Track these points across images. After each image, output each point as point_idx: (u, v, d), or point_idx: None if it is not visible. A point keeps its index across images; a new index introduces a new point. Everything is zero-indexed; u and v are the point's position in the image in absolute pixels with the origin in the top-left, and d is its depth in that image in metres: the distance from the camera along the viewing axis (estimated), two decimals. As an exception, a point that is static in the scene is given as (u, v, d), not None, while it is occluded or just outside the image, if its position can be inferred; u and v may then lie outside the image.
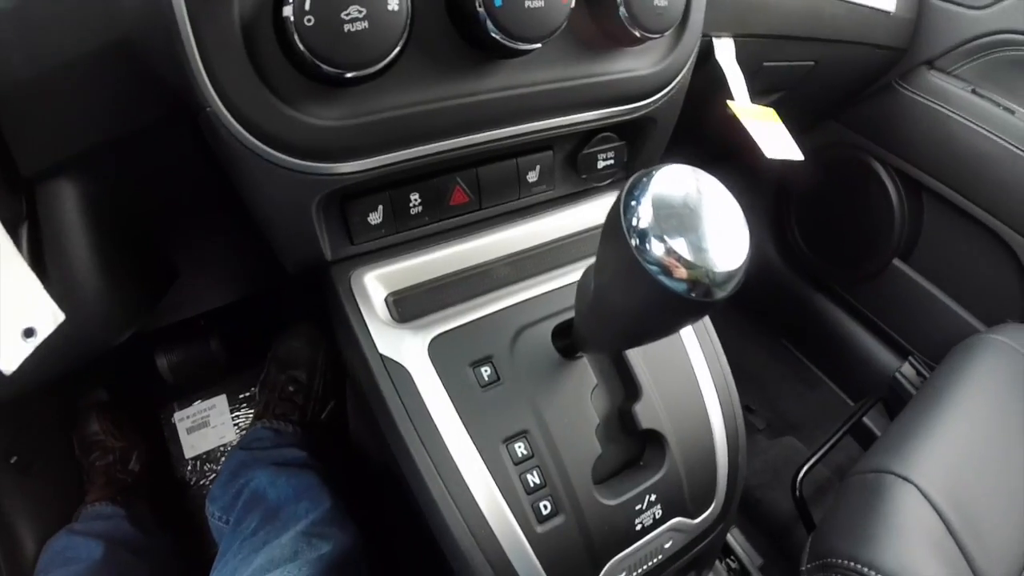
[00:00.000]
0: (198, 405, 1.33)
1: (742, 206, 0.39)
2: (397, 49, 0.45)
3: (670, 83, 0.66)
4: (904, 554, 0.71)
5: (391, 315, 0.59)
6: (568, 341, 0.60)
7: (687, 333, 0.68)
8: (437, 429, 0.55)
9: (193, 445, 1.31)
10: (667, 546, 0.65)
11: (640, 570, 0.64)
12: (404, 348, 0.57)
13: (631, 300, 0.40)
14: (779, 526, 1.01)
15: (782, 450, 1.23)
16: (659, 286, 0.36)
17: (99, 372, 1.24)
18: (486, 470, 0.56)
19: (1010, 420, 0.91)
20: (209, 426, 1.32)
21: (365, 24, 0.43)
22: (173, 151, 0.57)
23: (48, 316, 0.46)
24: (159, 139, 0.54)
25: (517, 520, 0.56)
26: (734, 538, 0.89)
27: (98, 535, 1.04)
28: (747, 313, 1.54)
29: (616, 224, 0.37)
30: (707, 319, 0.70)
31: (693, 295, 0.36)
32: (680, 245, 0.35)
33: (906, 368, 1.26)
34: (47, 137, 0.48)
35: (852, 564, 0.72)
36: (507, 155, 0.63)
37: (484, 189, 0.63)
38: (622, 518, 0.61)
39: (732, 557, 0.88)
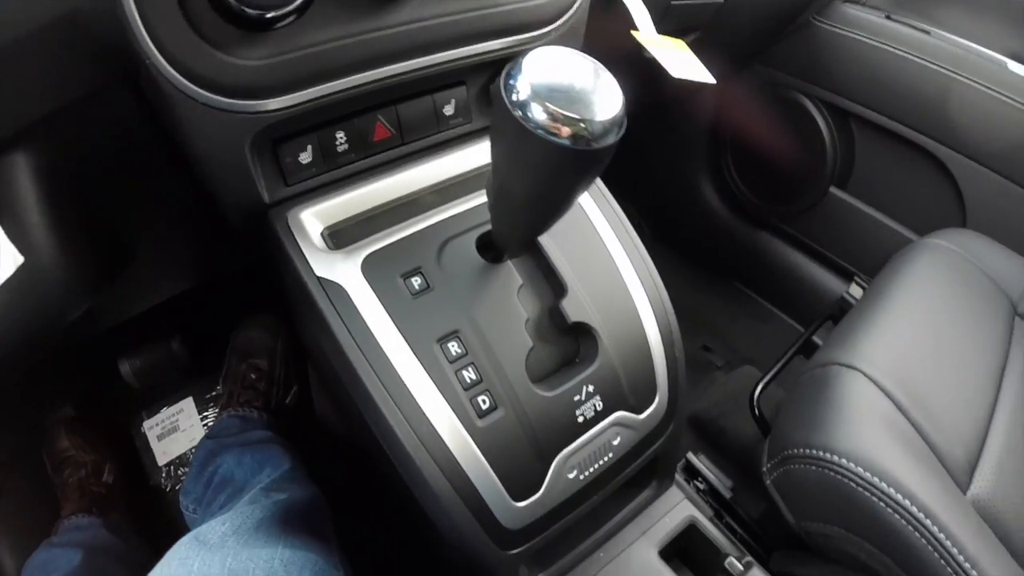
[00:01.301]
0: (166, 411, 1.36)
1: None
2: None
3: (567, 11, 0.72)
4: (858, 435, 0.76)
5: (327, 245, 0.64)
6: (491, 246, 0.66)
7: (608, 235, 0.73)
8: (373, 335, 0.60)
9: (165, 451, 1.33)
10: (616, 443, 0.70)
11: (591, 469, 0.69)
12: (339, 269, 0.61)
13: (527, 172, 0.45)
14: (745, 449, 1.06)
15: (741, 379, 1.29)
16: (547, 146, 0.41)
17: (64, 388, 1.27)
18: (422, 369, 0.60)
19: (949, 309, 0.97)
20: (179, 430, 1.35)
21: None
22: (121, 119, 0.63)
23: (8, 258, 0.51)
24: (107, 106, 0.61)
25: (457, 415, 0.60)
26: (702, 463, 0.94)
27: (77, 544, 1.06)
28: (697, 262, 1.59)
29: (501, 107, 0.42)
30: (643, 250, 0.75)
31: (579, 147, 0.41)
32: (559, 105, 0.40)
33: (852, 288, 1.32)
34: (2, 111, 0.54)
35: (808, 451, 0.76)
36: (424, 92, 0.69)
37: (404, 125, 0.68)
38: (562, 410, 0.65)
39: (700, 479, 0.93)
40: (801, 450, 0.77)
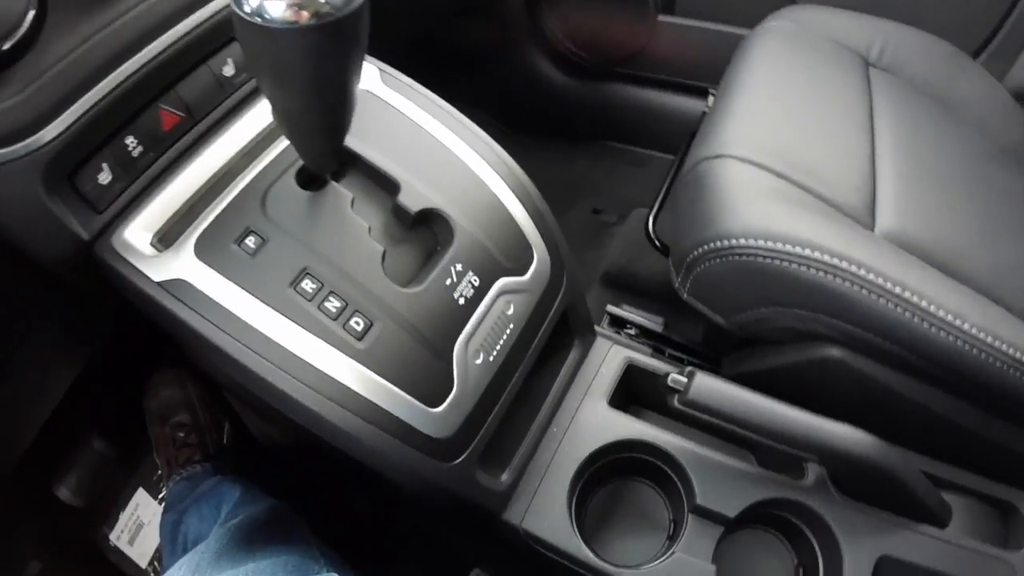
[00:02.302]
0: (123, 516, 1.31)
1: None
2: (32, 13, 0.51)
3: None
4: (747, 212, 0.75)
5: (158, 250, 0.61)
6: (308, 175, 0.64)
7: (432, 124, 0.71)
8: (228, 311, 0.57)
9: (142, 552, 1.28)
10: (510, 312, 0.68)
11: (498, 347, 0.67)
12: (175, 265, 0.58)
13: (291, 76, 0.45)
14: (663, 283, 1.05)
15: (635, 222, 1.28)
16: (297, 37, 0.41)
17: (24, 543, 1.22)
18: (286, 319, 0.58)
19: (802, 78, 0.96)
20: (145, 524, 1.30)
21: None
22: None
23: None
24: None
25: (336, 347, 0.58)
26: (625, 311, 0.93)
27: None
28: (559, 135, 1.58)
29: (242, 26, 0.41)
30: (473, 126, 0.74)
31: (327, 21, 0.40)
32: None
33: (710, 101, 1.32)
34: None
35: (706, 247, 0.75)
36: (196, 62, 0.65)
37: (191, 104, 0.65)
38: (439, 299, 0.63)
39: (629, 325, 0.92)
40: (699, 250, 0.76)
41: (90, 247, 0.61)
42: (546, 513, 0.70)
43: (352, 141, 0.64)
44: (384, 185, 0.66)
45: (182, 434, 1.16)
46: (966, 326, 0.70)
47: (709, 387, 0.66)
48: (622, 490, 0.78)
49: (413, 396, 0.61)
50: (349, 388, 0.58)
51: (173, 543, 1.04)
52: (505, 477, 0.70)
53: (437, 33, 1.51)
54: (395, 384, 0.60)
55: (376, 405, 0.59)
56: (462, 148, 0.71)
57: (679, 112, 1.43)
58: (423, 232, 0.67)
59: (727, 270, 0.74)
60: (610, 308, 0.89)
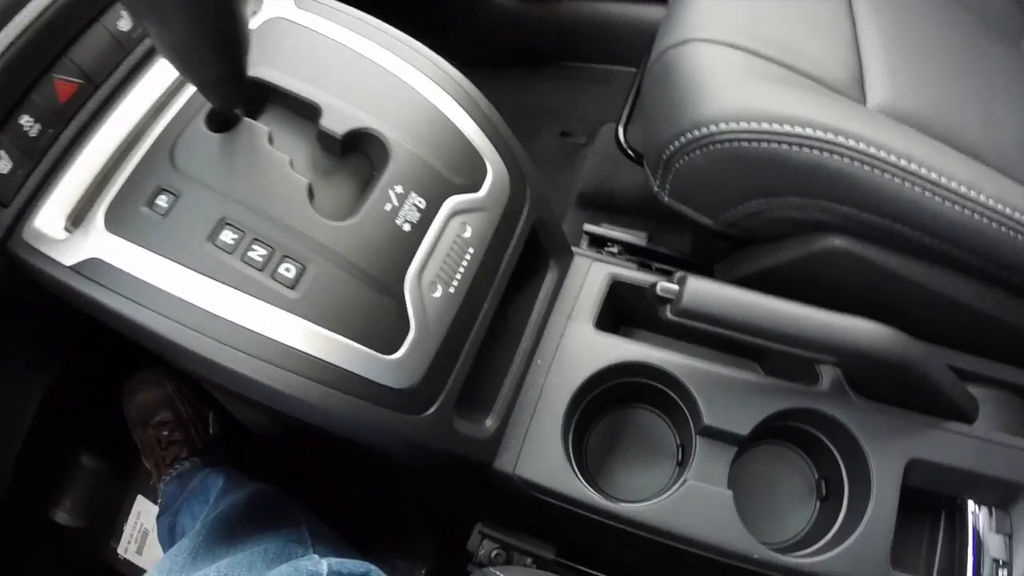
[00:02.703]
0: (127, 527, 1.26)
1: None
2: None
3: None
4: (724, 94, 0.67)
5: (69, 233, 0.53)
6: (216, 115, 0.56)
7: (359, 42, 0.62)
8: (145, 282, 0.50)
9: (152, 560, 1.23)
10: (467, 234, 0.59)
11: (459, 276, 0.58)
12: (86, 245, 0.51)
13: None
14: (642, 195, 0.98)
15: (606, 138, 1.19)
16: None
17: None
18: (210, 279, 0.50)
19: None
20: (151, 532, 1.25)
21: None
22: None
23: None
24: None
25: (269, 301, 0.50)
26: (606, 229, 0.85)
27: None
28: (518, 64, 1.48)
29: None
30: (407, 38, 0.65)
31: None
32: None
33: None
34: None
35: (683, 139, 0.67)
36: (89, 21, 0.57)
37: (87, 68, 0.57)
38: (379, 229, 0.55)
39: (610, 242, 0.84)
40: (675, 144, 0.68)
41: (3, 246, 0.54)
42: (541, 455, 0.63)
43: (262, 71, 0.56)
44: (304, 112, 0.57)
45: (166, 432, 1.11)
46: (981, 197, 0.63)
47: (705, 291, 0.58)
48: (622, 420, 0.71)
49: (364, 344, 0.53)
50: (287, 346, 0.51)
51: (171, 543, 1.00)
52: (490, 422, 0.63)
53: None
54: (340, 333, 0.53)
55: (322, 361, 0.52)
56: (394, 62, 0.62)
57: (639, 22, 1.33)
58: (358, 159, 0.59)
59: (709, 162, 0.66)
60: (587, 227, 0.81)
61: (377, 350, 0.54)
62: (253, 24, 0.60)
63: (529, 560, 0.72)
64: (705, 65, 0.71)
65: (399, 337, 0.55)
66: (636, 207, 0.93)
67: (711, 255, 0.82)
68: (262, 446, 1.18)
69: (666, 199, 0.72)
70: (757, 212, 0.68)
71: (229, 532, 0.77)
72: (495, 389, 0.64)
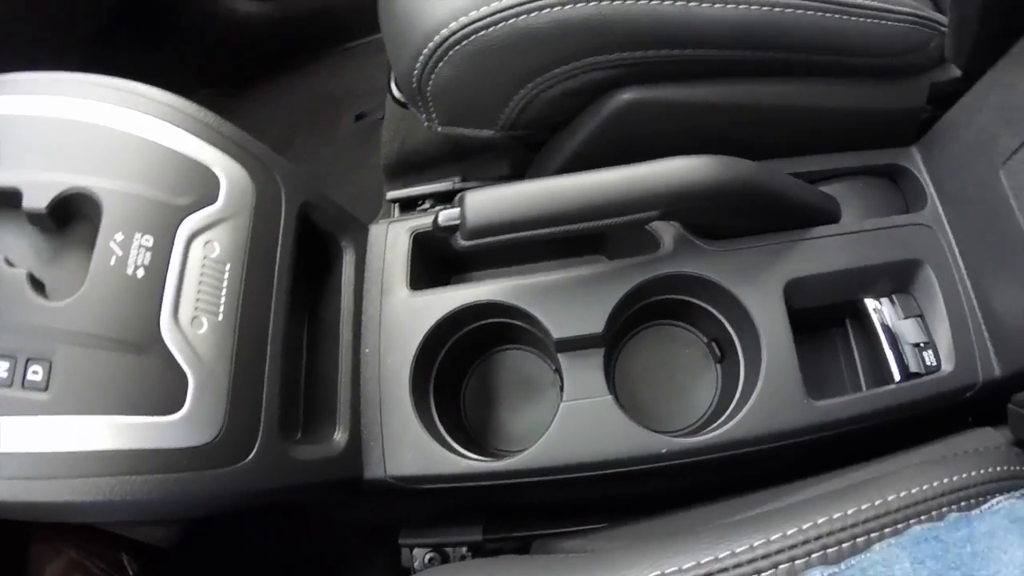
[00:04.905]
0: None
1: None
2: None
3: None
4: None
5: None
6: None
7: (37, 104, 0.56)
8: None
9: None
10: (216, 253, 0.54)
11: (223, 299, 0.53)
12: None
13: None
14: (444, 140, 0.93)
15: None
16: None
17: None
18: None
19: None
20: None
21: None
22: None
23: None
24: None
25: (28, 413, 0.45)
26: (410, 189, 0.80)
27: None
28: (289, 66, 1.42)
29: None
30: None
31: None
32: None
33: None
34: None
35: (420, 61, 0.63)
36: None
37: None
38: (112, 286, 0.48)
39: (421, 200, 0.79)
40: (416, 67, 0.63)
41: None
42: (405, 446, 0.59)
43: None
44: (7, 202, 0.51)
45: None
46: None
47: (487, 200, 0.54)
48: (492, 369, 0.67)
49: (138, 414, 0.48)
50: (60, 452, 0.45)
51: None
52: (338, 435, 0.58)
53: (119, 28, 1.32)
54: (109, 413, 0.47)
55: (100, 452, 0.46)
56: (93, 110, 0.56)
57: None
58: (81, 225, 0.53)
59: (456, 70, 0.62)
60: (390, 194, 0.76)
61: (156, 414, 0.48)
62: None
63: (465, 549, 0.67)
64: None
65: (178, 392, 0.49)
66: (447, 154, 0.88)
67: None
68: (181, 558, 1.11)
69: (439, 128, 0.67)
70: (530, 101, 0.64)
71: None
72: (331, 398, 0.59)
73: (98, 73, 0.58)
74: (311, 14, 1.35)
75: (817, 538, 0.49)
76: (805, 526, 0.50)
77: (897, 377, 0.61)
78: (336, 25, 1.37)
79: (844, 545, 0.49)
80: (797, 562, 0.48)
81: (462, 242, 0.54)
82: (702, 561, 0.47)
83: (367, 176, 1.08)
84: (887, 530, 0.50)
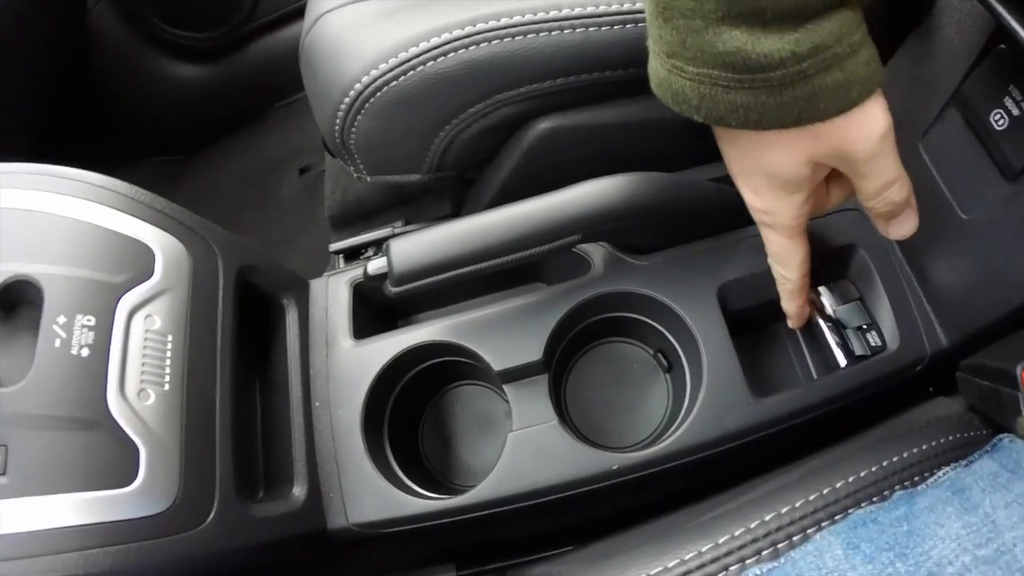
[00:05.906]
0: None
1: None
2: None
3: None
4: (358, 48, 0.67)
5: None
6: None
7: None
8: None
9: None
10: (157, 325, 0.57)
11: (167, 369, 0.56)
12: None
13: None
14: (386, 187, 0.96)
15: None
16: None
17: None
18: None
19: None
20: None
21: None
22: None
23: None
24: None
25: None
26: (351, 239, 0.83)
27: None
28: (233, 130, 1.45)
29: None
30: None
31: None
32: None
33: None
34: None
35: (339, 116, 0.67)
36: None
37: None
38: (58, 368, 0.50)
39: (364, 249, 0.82)
40: (337, 121, 0.67)
41: None
42: (364, 492, 0.61)
43: None
44: None
45: None
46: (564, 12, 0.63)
47: (411, 247, 0.57)
48: (446, 407, 0.70)
49: (93, 489, 0.50)
50: (22, 533, 0.47)
51: None
52: (297, 490, 0.61)
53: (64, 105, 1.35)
54: (64, 491, 0.49)
55: (57, 529, 0.48)
56: (22, 198, 0.59)
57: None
58: (27, 312, 0.56)
59: (373, 121, 0.65)
60: (332, 245, 0.79)
61: (112, 487, 0.50)
62: None
63: (442, 591, 0.69)
64: (336, 33, 0.70)
65: (131, 463, 0.52)
66: (389, 200, 0.91)
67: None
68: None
69: (368, 178, 0.71)
70: (451, 142, 0.67)
71: None
72: (286, 454, 0.62)
73: (46, 160, 0.61)
74: (248, 71, 1.39)
75: (766, 535, 0.51)
76: (753, 524, 0.52)
77: (843, 363, 0.63)
78: (274, 83, 1.41)
79: (795, 538, 0.51)
80: (747, 561, 0.50)
81: (393, 289, 0.57)
82: (651, 573, 0.49)
83: (319, 229, 1.11)
84: (837, 517, 0.52)
